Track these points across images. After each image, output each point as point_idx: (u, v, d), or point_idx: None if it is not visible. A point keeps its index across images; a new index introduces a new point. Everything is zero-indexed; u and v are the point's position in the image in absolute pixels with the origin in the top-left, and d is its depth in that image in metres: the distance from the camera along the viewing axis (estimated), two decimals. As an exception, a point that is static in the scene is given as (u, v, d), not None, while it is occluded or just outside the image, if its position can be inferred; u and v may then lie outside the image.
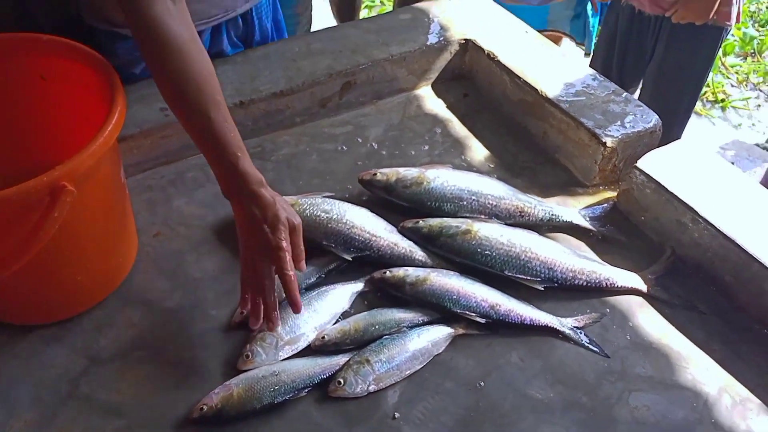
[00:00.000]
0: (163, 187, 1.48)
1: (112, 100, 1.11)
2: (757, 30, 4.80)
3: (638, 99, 2.62)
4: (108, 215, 1.20)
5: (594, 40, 2.91)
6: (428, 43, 1.74)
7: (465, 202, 1.41)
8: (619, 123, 1.50)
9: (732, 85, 4.31)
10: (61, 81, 1.24)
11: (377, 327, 1.23)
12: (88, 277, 1.20)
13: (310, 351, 1.20)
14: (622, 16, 2.48)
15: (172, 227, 1.40)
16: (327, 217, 1.33)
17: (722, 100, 4.15)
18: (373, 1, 4.76)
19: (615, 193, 1.49)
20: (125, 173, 1.28)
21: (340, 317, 1.25)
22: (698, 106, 4.02)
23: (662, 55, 2.43)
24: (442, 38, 1.76)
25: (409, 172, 1.44)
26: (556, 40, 3.11)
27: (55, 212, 0.95)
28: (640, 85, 2.66)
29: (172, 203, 1.45)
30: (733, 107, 4.14)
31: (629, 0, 2.38)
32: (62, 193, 0.96)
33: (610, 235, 1.41)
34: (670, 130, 2.52)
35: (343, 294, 1.28)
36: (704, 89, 4.09)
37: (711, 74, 4.13)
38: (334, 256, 1.33)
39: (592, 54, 2.74)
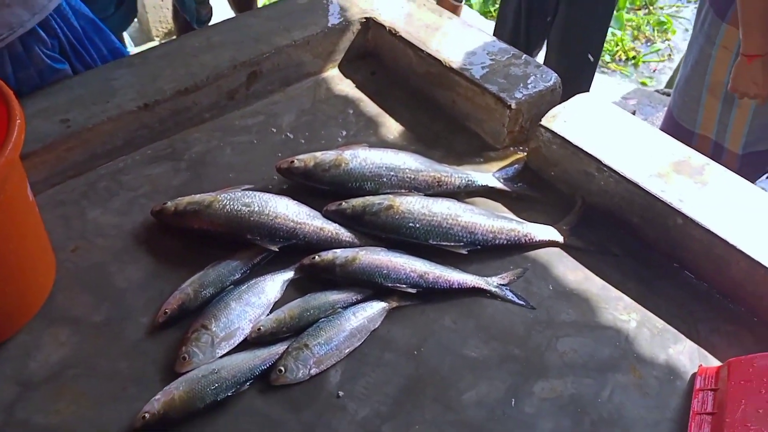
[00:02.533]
0: (75, 201, 1.44)
1: (7, 117, 1.07)
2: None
3: (545, 57, 2.74)
4: (19, 235, 1.16)
5: None
6: (330, 24, 1.75)
7: (385, 179, 1.44)
8: (521, 85, 1.55)
9: (638, 41, 4.53)
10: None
11: (312, 311, 1.24)
12: (7, 302, 1.16)
13: (247, 344, 1.21)
14: None
15: (90, 240, 1.37)
16: (248, 211, 1.33)
17: (634, 57, 4.36)
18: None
19: (525, 153, 1.55)
20: (33, 190, 1.24)
21: (273, 307, 1.26)
22: (611, 63, 4.23)
23: (565, 14, 2.55)
24: (342, 19, 1.77)
25: (327, 156, 1.45)
26: (454, 9, 3.19)
27: (-40, 240, 0.92)
28: (545, 45, 2.77)
29: (86, 215, 1.41)
30: (644, 62, 4.35)
31: None
32: (-34, 220, 0.92)
33: (524, 193, 1.48)
34: (579, 83, 2.66)
35: (274, 284, 1.29)
36: (615, 48, 4.30)
37: (620, 33, 4.34)
38: (261, 248, 1.33)
39: (498, 20, 2.83)
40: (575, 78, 2.66)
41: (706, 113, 1.97)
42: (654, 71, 4.27)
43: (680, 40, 4.55)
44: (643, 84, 4.15)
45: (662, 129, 2.18)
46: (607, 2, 2.56)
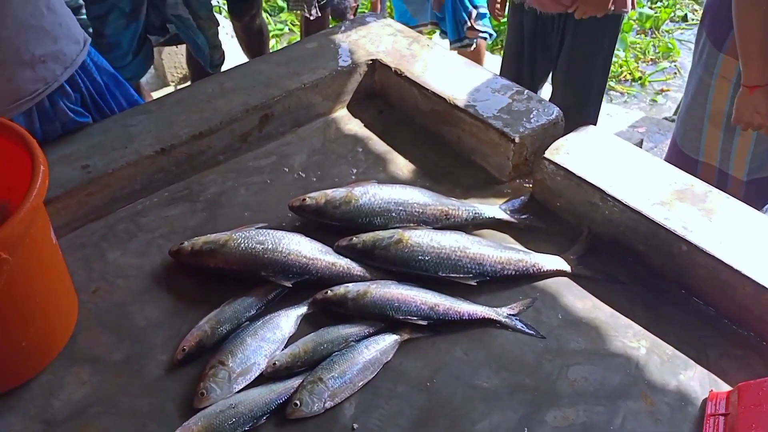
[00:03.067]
0: (95, 243, 1.49)
1: (32, 165, 1.12)
2: (651, 8, 5.13)
3: (552, 91, 2.79)
4: (44, 278, 1.20)
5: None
6: (337, 67, 1.81)
7: (393, 214, 1.47)
8: (524, 119, 1.60)
9: (644, 62, 4.59)
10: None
11: (326, 345, 1.27)
12: (33, 342, 1.20)
13: (263, 379, 1.24)
14: (526, 19, 2.63)
15: (110, 281, 1.41)
16: (262, 248, 1.37)
17: (640, 78, 4.42)
18: (282, 30, 4.83)
19: (530, 185, 1.59)
20: (56, 234, 1.29)
21: (288, 342, 1.29)
22: (617, 84, 4.30)
23: (570, 47, 2.60)
24: (350, 61, 1.83)
25: (337, 193, 1.49)
26: (477, 57, 3.33)
27: (-9, 283, 0.97)
28: (550, 77, 2.83)
29: (107, 257, 1.46)
30: (650, 81, 4.42)
31: (531, 3, 2.52)
32: (-3, 263, 0.97)
33: (531, 224, 1.51)
34: (586, 115, 2.70)
35: (288, 319, 1.32)
36: (620, 70, 4.37)
37: (624, 54, 4.42)
38: (275, 284, 1.36)
39: (504, 57, 2.90)
40: (582, 111, 2.70)
41: (708, 142, 2.00)
42: (661, 92, 4.32)
43: (686, 60, 4.62)
44: (654, 101, 4.20)
45: (667, 157, 2.21)
46: (611, 35, 2.61)
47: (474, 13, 3.17)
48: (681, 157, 2.10)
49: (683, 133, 2.11)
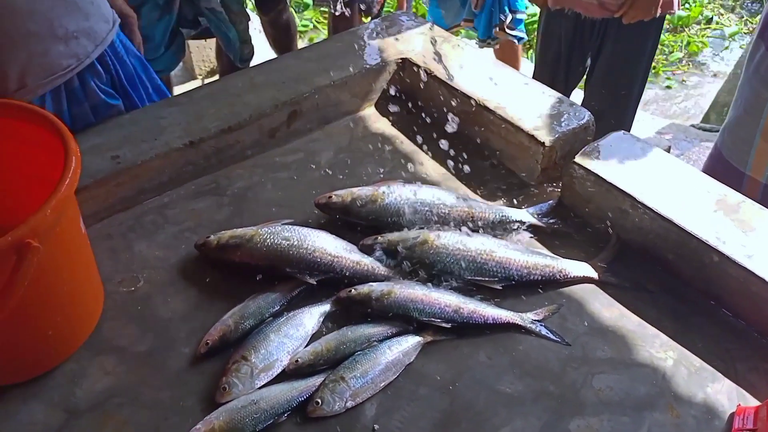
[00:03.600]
0: (123, 234, 1.50)
1: (64, 154, 1.13)
2: (680, 8, 5.10)
3: (584, 94, 2.75)
4: (72, 267, 1.21)
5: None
6: (367, 65, 1.80)
7: (419, 214, 1.46)
8: (554, 123, 1.58)
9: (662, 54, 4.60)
10: (8, 140, 1.26)
11: (348, 344, 1.27)
12: (59, 331, 1.21)
13: (285, 376, 1.23)
14: (565, 24, 2.59)
15: (136, 272, 1.42)
16: (288, 245, 1.37)
17: (654, 66, 4.41)
18: (306, 26, 4.84)
19: (559, 189, 1.57)
20: (84, 224, 1.30)
21: (311, 339, 1.29)
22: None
23: (611, 51, 2.55)
24: (379, 59, 1.82)
25: (363, 191, 1.49)
26: (514, 59, 3.31)
27: (23, 270, 0.97)
28: (584, 83, 2.79)
29: (133, 249, 1.47)
30: (664, 70, 4.41)
31: (575, 8, 2.49)
32: (28, 251, 0.98)
33: (558, 229, 1.49)
34: (623, 116, 2.65)
35: (311, 316, 1.32)
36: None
37: None
38: (299, 281, 1.36)
39: (538, 59, 2.88)
40: (619, 115, 2.66)
41: (757, 157, 1.93)
42: (673, 75, 4.31)
43: (707, 54, 4.61)
44: (669, 87, 4.19)
45: (709, 166, 2.14)
46: (655, 37, 2.56)
47: (509, 18, 3.14)
48: (727, 167, 2.03)
49: (730, 144, 2.04)
